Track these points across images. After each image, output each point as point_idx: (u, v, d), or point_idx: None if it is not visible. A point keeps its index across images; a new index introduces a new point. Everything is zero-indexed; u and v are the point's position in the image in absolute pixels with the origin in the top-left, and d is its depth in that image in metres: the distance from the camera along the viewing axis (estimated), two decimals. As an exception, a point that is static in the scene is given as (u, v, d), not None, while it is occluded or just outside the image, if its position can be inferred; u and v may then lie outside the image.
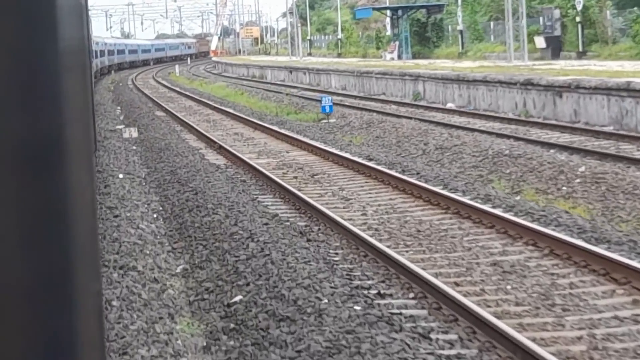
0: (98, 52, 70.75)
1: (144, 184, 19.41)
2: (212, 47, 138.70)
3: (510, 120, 25.91)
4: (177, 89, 56.40)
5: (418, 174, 17.41)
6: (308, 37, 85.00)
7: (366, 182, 17.32)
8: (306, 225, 13.40)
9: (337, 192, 16.40)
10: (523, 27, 37.26)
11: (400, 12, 55.54)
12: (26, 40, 1.08)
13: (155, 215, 16.23)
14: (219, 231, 13.44)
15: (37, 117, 1.08)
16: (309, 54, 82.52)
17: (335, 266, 10.66)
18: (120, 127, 32.47)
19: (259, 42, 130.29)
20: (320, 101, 35.63)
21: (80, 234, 1.12)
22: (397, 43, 55.36)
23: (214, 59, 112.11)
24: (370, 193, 16.20)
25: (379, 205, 14.95)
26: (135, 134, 27.33)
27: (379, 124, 26.77)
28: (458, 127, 24.46)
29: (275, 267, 10.70)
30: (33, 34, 1.09)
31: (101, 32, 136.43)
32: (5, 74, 1.06)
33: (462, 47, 49.66)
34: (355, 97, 39.35)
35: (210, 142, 25.23)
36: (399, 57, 54.63)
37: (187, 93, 50.19)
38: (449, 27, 55.85)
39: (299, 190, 16.40)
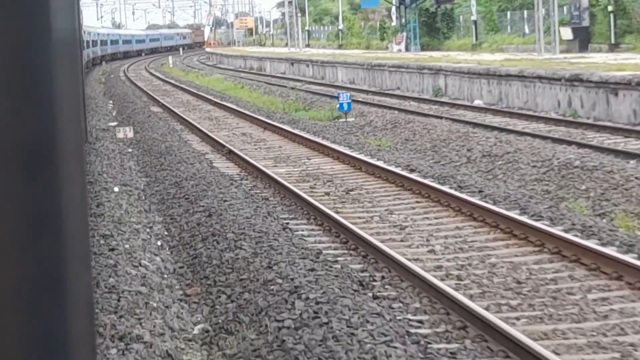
0: (90, 42, 69.08)
1: (143, 198, 16.17)
2: (205, 37, 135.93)
3: (556, 122, 22.68)
4: (172, 81, 53.04)
5: (480, 191, 14.15)
6: (306, 28, 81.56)
7: (417, 202, 14.08)
8: (364, 270, 10.17)
9: (386, 217, 13.15)
10: (554, 17, 34.01)
11: (408, 2, 52.23)
12: (18, 32, 1.07)
13: (159, 243, 13.01)
14: (247, 275, 10.20)
15: (29, 112, 1.07)
16: (308, 45, 79.13)
17: (429, 350, 7.41)
18: (112, 124, 29.18)
19: (253, 33, 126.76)
20: (332, 97, 32.52)
21: (72, 230, 1.11)
22: (404, 34, 52.09)
23: (208, 50, 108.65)
24: (427, 218, 12.95)
25: (446, 237, 11.70)
26: (130, 134, 24.03)
27: (406, 124, 23.51)
28: (504, 130, 21.22)
29: (342, 346, 7.47)
30: (25, 25, 1.08)
31: (92, 21, 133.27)
32: None
33: (476, 39, 46.39)
34: (367, 92, 36.09)
35: (216, 145, 21.96)
36: (407, 48, 51.37)
37: (183, 86, 46.86)
38: (461, 17, 52.55)
39: (337, 212, 13.17)
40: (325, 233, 12.19)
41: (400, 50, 51.26)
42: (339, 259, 10.65)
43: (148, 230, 13.55)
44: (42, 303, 1.07)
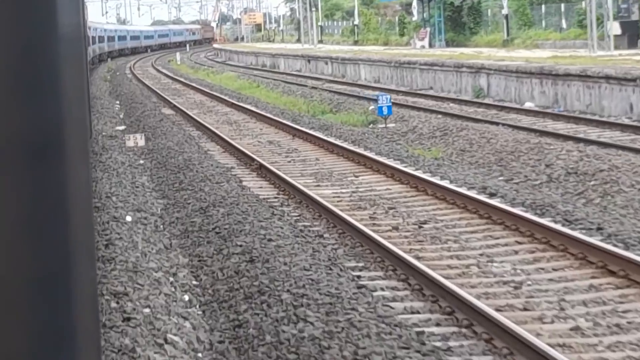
0: (97, 38, 68.62)
1: (161, 228, 13.01)
2: (214, 33, 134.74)
3: (635, 129, 19.43)
4: (182, 79, 49.85)
5: (599, 229, 10.92)
6: (319, 24, 78.27)
7: (517, 243, 10.82)
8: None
9: (485, 266, 9.92)
10: (608, 9, 30.69)
11: (431, -5, 49.01)
12: (25, 28, 1.06)
13: (187, 298, 9.85)
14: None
15: (36, 107, 1.07)
16: (320, 42, 75.91)
17: None
18: (120, 128, 26.02)
19: (262, 29, 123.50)
20: (359, 98, 29.28)
21: (77, 223, 1.11)
22: (427, 29, 48.83)
23: (216, 46, 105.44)
24: (543, 269, 9.70)
25: (586, 304, 8.47)
26: (141, 142, 20.83)
27: (459, 132, 20.28)
28: (584, 140, 17.98)
29: None
30: (32, 21, 1.08)
31: (97, 17, 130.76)
32: (4, 63, 1.05)
33: (507, 34, 43.08)
34: (396, 92, 32.84)
35: (242, 157, 18.78)
36: (430, 44, 48.12)
37: (194, 85, 43.67)
38: (489, 11, 49.24)
39: (418, 258, 9.98)
40: (415, 295, 8.94)
41: (423, 47, 48.03)
42: (451, 344, 7.42)
43: (171, 279, 10.37)
44: (49, 296, 1.06)
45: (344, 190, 14.90)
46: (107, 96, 40.13)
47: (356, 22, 65.29)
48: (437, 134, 20.68)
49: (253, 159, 17.88)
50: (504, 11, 42.82)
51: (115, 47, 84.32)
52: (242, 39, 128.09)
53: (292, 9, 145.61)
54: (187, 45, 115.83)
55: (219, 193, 14.46)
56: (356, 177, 16.12)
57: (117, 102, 36.83)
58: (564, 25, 40.63)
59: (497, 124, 21.12)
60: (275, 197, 14.50)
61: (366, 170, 16.67)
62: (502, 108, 25.19)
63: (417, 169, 15.97)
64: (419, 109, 26.18)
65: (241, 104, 30.91)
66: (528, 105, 25.26)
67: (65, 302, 1.08)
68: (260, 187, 15.55)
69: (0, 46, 1.05)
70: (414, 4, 53.83)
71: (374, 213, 12.96)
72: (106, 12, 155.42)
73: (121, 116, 30.15)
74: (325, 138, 20.75)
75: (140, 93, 40.72)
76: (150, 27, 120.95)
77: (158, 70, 64.58)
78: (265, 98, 33.89)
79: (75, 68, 1.17)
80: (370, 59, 39.18)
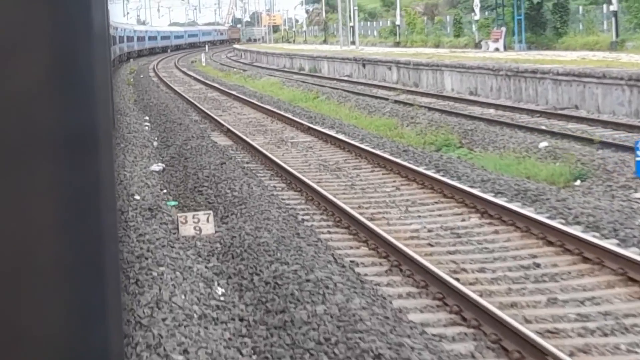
0: (125, 38, 70.77)
1: None
2: (240, 35, 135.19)
3: None
4: (216, 84, 39.28)
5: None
6: (350, 24, 67.44)
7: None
8: None
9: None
10: None
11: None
12: (62, 28, 1.07)
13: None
14: None
15: (72, 103, 1.08)
16: (353, 43, 65.18)
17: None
18: (156, 168, 15.58)
19: (282, 30, 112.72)
20: (513, 126, 18.44)
21: (104, 209, 1.13)
22: (503, 29, 38.17)
23: (238, 47, 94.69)
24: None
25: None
26: (209, 228, 10.30)
27: None
28: None
29: None
30: (68, 21, 1.08)
31: (120, 18, 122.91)
32: (41, 62, 1.05)
33: (617, 35, 32.41)
34: (514, 109, 22.31)
35: (387, 258, 8.30)
36: (505, 47, 37.53)
37: (235, 93, 33.11)
38: (580, 8, 38.58)
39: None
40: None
41: (497, 49, 37.42)
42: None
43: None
44: (80, 276, 1.09)
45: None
46: (132, 108, 29.56)
47: (397, 22, 54.44)
48: None
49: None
50: (613, 8, 32.13)
51: (146, 46, 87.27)
52: (261, 40, 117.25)
53: (307, 11, 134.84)
54: (206, 46, 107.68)
55: None
56: None
57: (146, 118, 26.28)
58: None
59: None
60: None
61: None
62: None
63: None
64: (583, 140, 15.64)
65: (319, 128, 20.35)
66: None
67: (95, 282, 1.10)
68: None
69: (38, 45, 1.04)
70: (476, 1, 43.10)
71: None
72: (127, 13, 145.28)
73: (155, 144, 19.66)
74: (534, 218, 10.23)
75: (174, 104, 30.11)
76: (180, 28, 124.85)
77: (185, 73, 53.89)
78: (342, 117, 23.35)
79: (102, 64, 1.15)
80: (463, 65, 28.46)
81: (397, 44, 53.41)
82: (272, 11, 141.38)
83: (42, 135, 1.06)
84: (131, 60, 72.06)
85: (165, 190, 13.04)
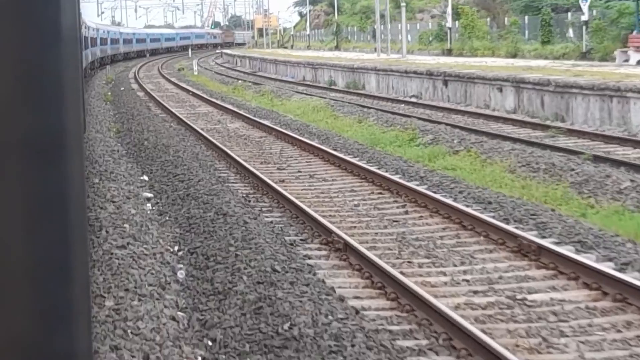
0: (121, 40, 72.06)
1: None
2: (234, 38, 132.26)
3: None
4: (229, 106, 28.10)
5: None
6: (375, 26, 56.27)
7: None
8: None
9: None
10: None
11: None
12: (30, 30, 1.06)
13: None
14: None
15: (37, 106, 1.08)
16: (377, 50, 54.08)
17: None
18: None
19: (278, 35, 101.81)
20: None
21: (72, 212, 1.13)
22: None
23: (229, 52, 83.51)
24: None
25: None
26: None
27: None
28: None
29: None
30: (36, 23, 1.07)
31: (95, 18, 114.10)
32: (9, 65, 1.05)
33: None
34: None
35: None
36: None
37: (268, 123, 22.15)
38: None
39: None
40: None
41: None
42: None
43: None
44: (46, 279, 1.08)
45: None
46: (116, 150, 18.51)
47: (448, 24, 43.25)
48: None
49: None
50: None
51: (133, 48, 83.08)
52: (253, 44, 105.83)
53: (301, 13, 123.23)
54: (190, 50, 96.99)
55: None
56: None
57: (144, 178, 15.21)
58: None
59: None
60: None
61: None
62: None
63: None
64: None
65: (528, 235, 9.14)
66: None
67: (62, 285, 1.09)
68: None
69: (5, 48, 1.02)
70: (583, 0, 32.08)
71: None
72: (102, 13, 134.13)
73: (180, 274, 8.47)
74: None
75: (181, 143, 18.84)
76: (172, 30, 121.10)
77: (177, 86, 42.60)
78: (506, 190, 12.27)
79: (73, 68, 1.14)
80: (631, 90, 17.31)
81: (449, 52, 42.35)
82: (258, 13, 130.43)
83: (10, 139, 1.04)
84: (107, 66, 60.56)
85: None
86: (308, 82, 41.30)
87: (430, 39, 47.76)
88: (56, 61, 1.08)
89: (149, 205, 13.41)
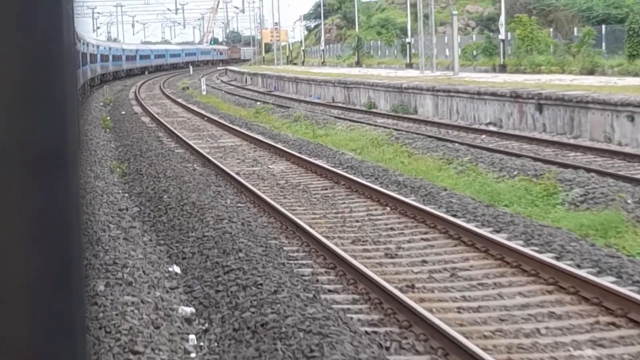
0: (124, 57, 73.63)
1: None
2: (241, 54, 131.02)
3: None
4: (256, 135, 22.50)
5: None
6: (407, 40, 50.59)
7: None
8: None
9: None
10: None
11: None
12: (32, 43, 1.06)
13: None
14: None
15: (40, 120, 1.08)
16: (409, 65, 48.52)
17: None
18: None
19: (268, 50, 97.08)
20: None
21: (71, 226, 1.12)
22: None
23: (235, 68, 78.05)
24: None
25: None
26: None
27: None
28: None
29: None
30: (38, 36, 1.07)
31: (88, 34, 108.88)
32: (11, 76, 1.05)
33: None
34: None
35: None
36: None
37: (322, 164, 16.60)
38: None
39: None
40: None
41: None
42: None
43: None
44: (46, 292, 1.08)
45: None
46: (123, 210, 12.82)
47: (501, 36, 37.56)
48: None
49: None
50: None
51: (137, 65, 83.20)
52: (259, 60, 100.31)
53: (308, 27, 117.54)
54: (191, 67, 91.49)
55: None
56: None
57: (175, 270, 9.46)
58: None
59: None
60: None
61: None
62: None
63: None
64: None
65: None
66: None
67: (61, 298, 1.08)
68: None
69: (7, 60, 1.02)
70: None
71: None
72: (97, 28, 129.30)
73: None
74: None
75: (225, 211, 12.97)
76: (177, 46, 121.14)
77: (185, 108, 37.05)
78: None
79: (72, 81, 1.15)
80: None
81: (503, 68, 36.67)
82: (261, 27, 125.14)
83: (8, 150, 1.05)
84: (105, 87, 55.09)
85: None
86: (340, 104, 35.59)
87: (475, 53, 42.01)
88: (58, 75, 1.08)
89: (192, 337, 7.75)
